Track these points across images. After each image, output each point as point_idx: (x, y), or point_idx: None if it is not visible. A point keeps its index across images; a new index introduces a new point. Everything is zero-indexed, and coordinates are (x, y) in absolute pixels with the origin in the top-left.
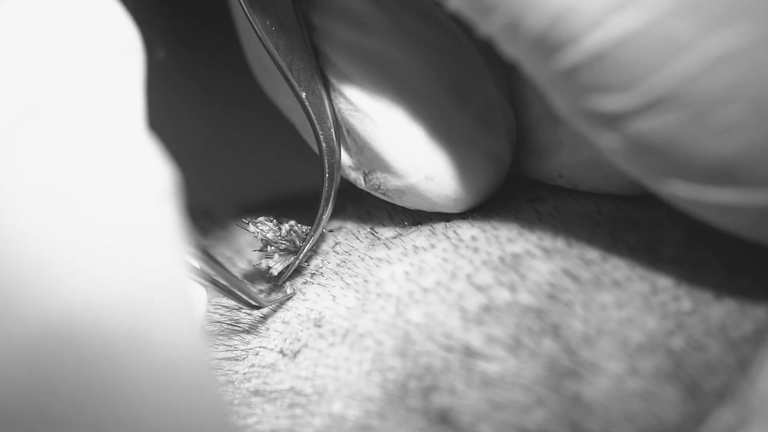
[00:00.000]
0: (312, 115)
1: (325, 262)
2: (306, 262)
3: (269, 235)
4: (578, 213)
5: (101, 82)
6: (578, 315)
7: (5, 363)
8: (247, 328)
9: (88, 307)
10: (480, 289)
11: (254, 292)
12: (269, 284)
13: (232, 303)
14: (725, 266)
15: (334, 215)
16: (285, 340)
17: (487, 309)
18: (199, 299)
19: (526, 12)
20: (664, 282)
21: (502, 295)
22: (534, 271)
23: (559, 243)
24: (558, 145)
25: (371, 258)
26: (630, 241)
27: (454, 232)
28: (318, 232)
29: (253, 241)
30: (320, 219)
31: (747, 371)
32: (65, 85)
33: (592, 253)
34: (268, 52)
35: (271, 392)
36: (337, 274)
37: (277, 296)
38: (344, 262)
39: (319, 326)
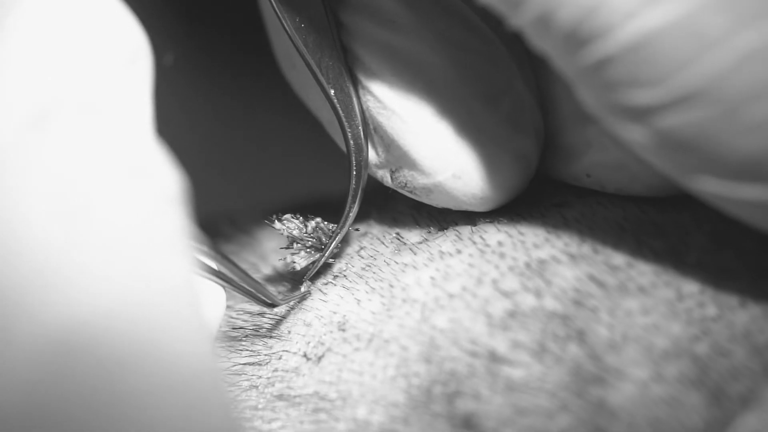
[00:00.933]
0: (340, 112)
1: (349, 265)
2: (332, 259)
3: (295, 233)
4: (604, 218)
5: (110, 88)
6: (604, 321)
7: (17, 370)
8: (269, 333)
9: (97, 313)
10: (506, 294)
11: (268, 290)
12: (291, 282)
13: (255, 308)
14: (750, 272)
15: (359, 220)
16: (308, 343)
17: (512, 314)
18: (216, 302)
19: (558, 4)
20: (690, 288)
21: (528, 301)
22: (560, 277)
23: (585, 248)
24: (586, 146)
25: (397, 263)
26: (655, 246)
27: (481, 237)
28: (345, 230)
29: (278, 247)
30: (347, 216)
31: None
32: (74, 92)
33: (618, 259)
34: (297, 49)
35: (295, 397)
36: (361, 277)
37: (292, 295)
38: (369, 266)
39: (344, 330)
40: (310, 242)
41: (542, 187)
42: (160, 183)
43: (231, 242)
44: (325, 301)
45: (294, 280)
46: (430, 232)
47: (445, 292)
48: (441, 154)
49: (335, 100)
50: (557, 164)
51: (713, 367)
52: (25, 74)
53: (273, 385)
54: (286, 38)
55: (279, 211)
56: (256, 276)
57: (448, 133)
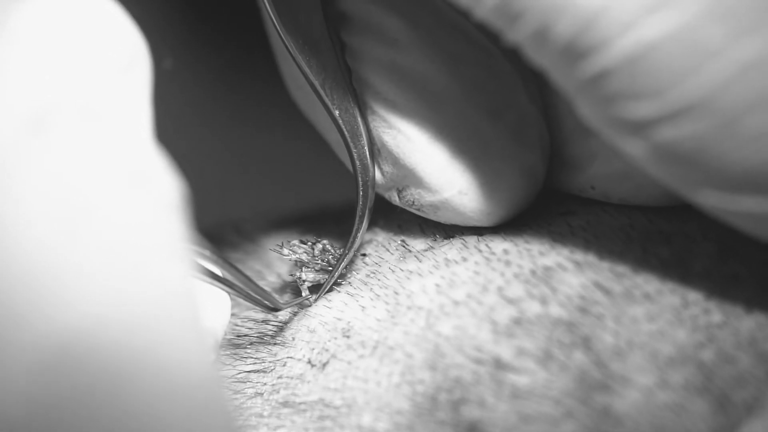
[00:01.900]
0: (345, 133)
1: (353, 272)
2: (339, 280)
3: (303, 257)
4: (610, 226)
5: (109, 92)
6: (609, 328)
7: (15, 378)
8: (273, 340)
9: (95, 321)
10: (511, 302)
11: (271, 295)
12: (295, 289)
13: (259, 316)
14: (756, 280)
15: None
16: (312, 349)
17: (517, 322)
18: (221, 308)
19: (555, 17)
20: (695, 295)
21: (533, 308)
22: (565, 284)
23: (591, 256)
24: (590, 158)
25: (402, 270)
26: (661, 254)
27: (486, 245)
28: (352, 251)
29: (282, 255)
30: (354, 238)
31: None
32: (73, 96)
33: (624, 266)
34: (301, 70)
35: (299, 403)
36: (366, 284)
37: (295, 299)
38: (374, 273)
39: (348, 337)
40: (318, 266)
41: (548, 197)
42: (159, 189)
43: (236, 250)
44: (330, 308)
45: (298, 287)
46: (435, 240)
47: (450, 300)
48: (447, 171)
49: (340, 121)
50: (562, 176)
51: (718, 374)
52: (24, 78)
53: (278, 392)
54: (290, 60)
55: (284, 219)
56: (260, 283)
57: (454, 150)
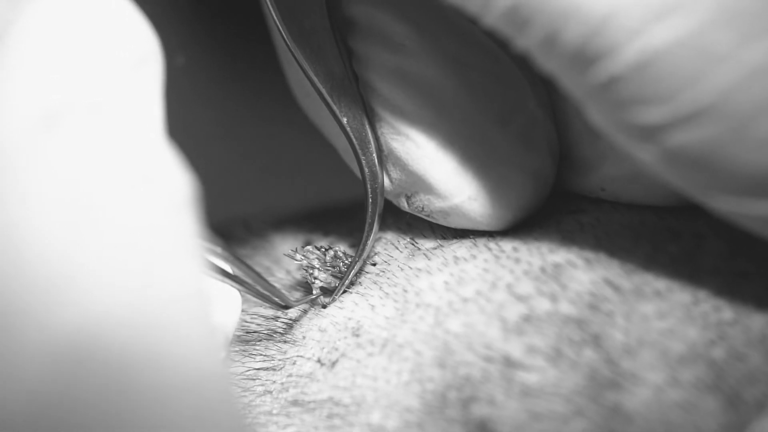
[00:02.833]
0: (353, 140)
1: (363, 271)
2: (348, 288)
3: (315, 263)
4: (620, 224)
5: (120, 89)
6: (619, 325)
7: (25, 376)
8: (284, 338)
9: (106, 319)
10: (520, 299)
11: (281, 292)
12: (305, 286)
13: (269, 313)
14: (765, 278)
15: None
16: (322, 348)
17: (527, 319)
18: (232, 305)
19: (563, 25)
20: (706, 292)
21: (543, 305)
22: (575, 281)
23: (601, 253)
24: (600, 160)
25: (411, 268)
26: (672, 251)
27: (496, 243)
28: (362, 259)
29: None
30: (364, 245)
31: None
32: (85, 93)
33: (634, 263)
34: (308, 78)
35: (309, 402)
36: (375, 283)
37: (306, 297)
38: (383, 271)
39: (357, 336)
40: (330, 271)
41: (558, 197)
42: (170, 187)
43: (245, 246)
44: (341, 308)
45: (308, 284)
46: (445, 238)
47: (459, 297)
48: (456, 177)
49: (348, 128)
50: (572, 178)
51: (729, 371)
52: (36, 76)
53: (287, 391)
54: (298, 67)
55: (293, 215)
56: (270, 280)
57: (463, 156)
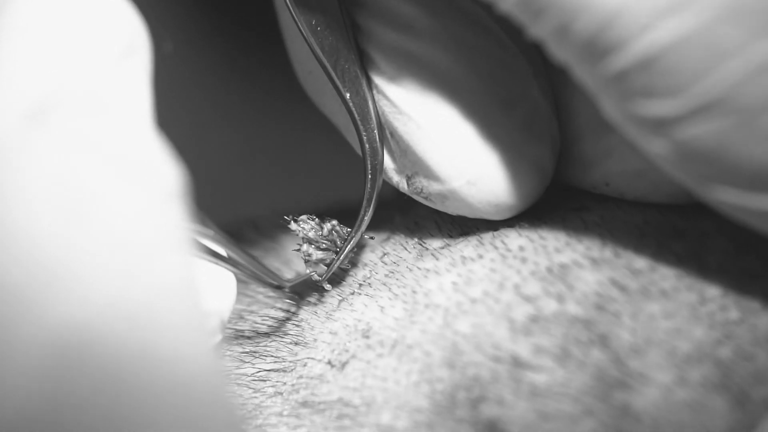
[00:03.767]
0: (356, 116)
1: (373, 272)
2: (348, 265)
3: (311, 234)
4: (625, 222)
5: (108, 80)
6: (626, 325)
7: (18, 372)
8: (294, 340)
9: (96, 314)
10: (528, 299)
11: (272, 272)
12: (314, 286)
13: (279, 314)
14: None
15: (382, 226)
16: (333, 350)
17: (535, 319)
18: (226, 288)
19: (576, 16)
20: (712, 291)
21: (550, 306)
22: (582, 282)
23: (607, 252)
24: (605, 155)
25: (419, 268)
26: (677, 250)
27: (502, 242)
28: (359, 234)
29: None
30: (361, 220)
31: None
32: (72, 86)
33: (640, 263)
34: (313, 51)
35: (319, 403)
36: (385, 284)
37: (300, 276)
38: (392, 272)
39: (367, 337)
40: (324, 245)
41: (561, 193)
42: (158, 178)
43: (255, 247)
44: (351, 310)
45: (317, 285)
46: (452, 237)
47: (468, 297)
48: (456, 161)
49: (351, 104)
50: (575, 172)
51: (736, 371)
52: (23, 69)
53: (298, 392)
54: (301, 43)
55: (303, 214)
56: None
57: (464, 139)
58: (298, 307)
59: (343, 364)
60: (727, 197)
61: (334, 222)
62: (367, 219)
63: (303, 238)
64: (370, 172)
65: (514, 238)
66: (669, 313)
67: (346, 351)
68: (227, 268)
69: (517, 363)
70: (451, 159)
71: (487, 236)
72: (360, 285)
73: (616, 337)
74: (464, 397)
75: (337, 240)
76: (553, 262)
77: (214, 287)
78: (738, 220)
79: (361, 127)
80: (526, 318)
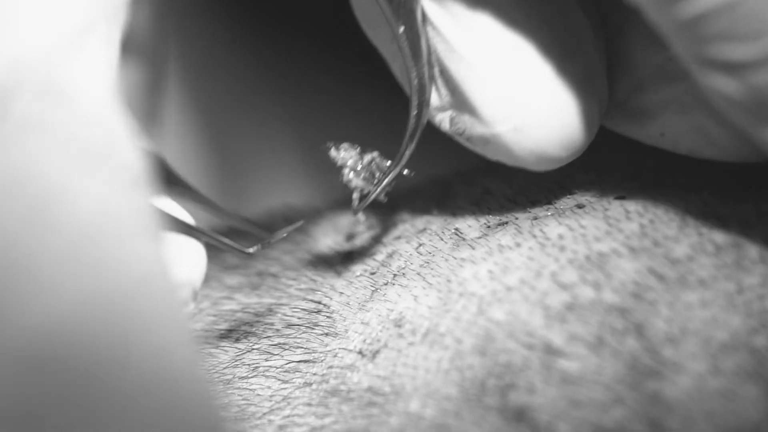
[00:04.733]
0: (407, 50)
1: (408, 263)
2: (384, 197)
3: (350, 163)
4: (666, 211)
5: (65, 63)
6: (662, 314)
7: None
8: (326, 331)
9: (68, 312)
10: (564, 287)
11: (258, 227)
12: (341, 268)
13: (310, 306)
14: None
15: (419, 216)
16: (364, 340)
17: (570, 307)
18: (197, 257)
19: None
20: (750, 280)
21: (587, 294)
22: (620, 270)
23: (646, 241)
24: (664, 106)
25: (455, 258)
26: (717, 239)
27: (541, 230)
28: (399, 168)
29: (333, 244)
30: (402, 154)
31: None
32: (27, 73)
33: (679, 252)
34: None
35: (348, 392)
36: (419, 274)
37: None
38: (427, 263)
39: (400, 326)
40: (363, 175)
41: (604, 182)
42: (122, 164)
43: (287, 241)
44: (385, 301)
45: (342, 265)
46: (489, 227)
47: (503, 285)
48: (504, 105)
49: (404, 38)
50: (632, 124)
51: None
52: None
53: (327, 382)
54: None
55: (333, 210)
56: (310, 274)
57: (515, 85)
58: (325, 295)
59: (374, 354)
60: None
61: (375, 153)
62: (407, 153)
63: (342, 166)
64: (416, 107)
65: (554, 227)
66: (706, 303)
67: (378, 340)
68: (196, 238)
69: (550, 350)
70: (500, 103)
71: (526, 225)
72: (394, 275)
73: (651, 325)
74: (494, 384)
75: (376, 172)
76: (591, 250)
77: (184, 257)
78: None
79: (411, 62)
80: (561, 305)
